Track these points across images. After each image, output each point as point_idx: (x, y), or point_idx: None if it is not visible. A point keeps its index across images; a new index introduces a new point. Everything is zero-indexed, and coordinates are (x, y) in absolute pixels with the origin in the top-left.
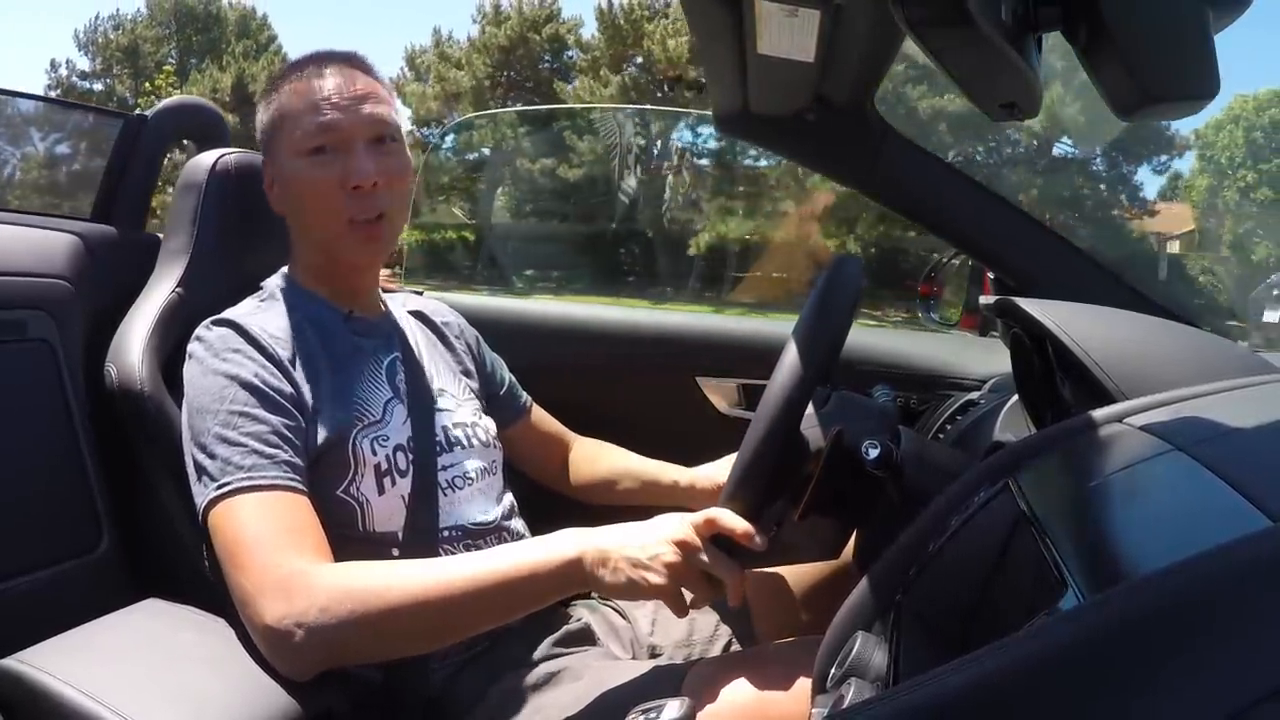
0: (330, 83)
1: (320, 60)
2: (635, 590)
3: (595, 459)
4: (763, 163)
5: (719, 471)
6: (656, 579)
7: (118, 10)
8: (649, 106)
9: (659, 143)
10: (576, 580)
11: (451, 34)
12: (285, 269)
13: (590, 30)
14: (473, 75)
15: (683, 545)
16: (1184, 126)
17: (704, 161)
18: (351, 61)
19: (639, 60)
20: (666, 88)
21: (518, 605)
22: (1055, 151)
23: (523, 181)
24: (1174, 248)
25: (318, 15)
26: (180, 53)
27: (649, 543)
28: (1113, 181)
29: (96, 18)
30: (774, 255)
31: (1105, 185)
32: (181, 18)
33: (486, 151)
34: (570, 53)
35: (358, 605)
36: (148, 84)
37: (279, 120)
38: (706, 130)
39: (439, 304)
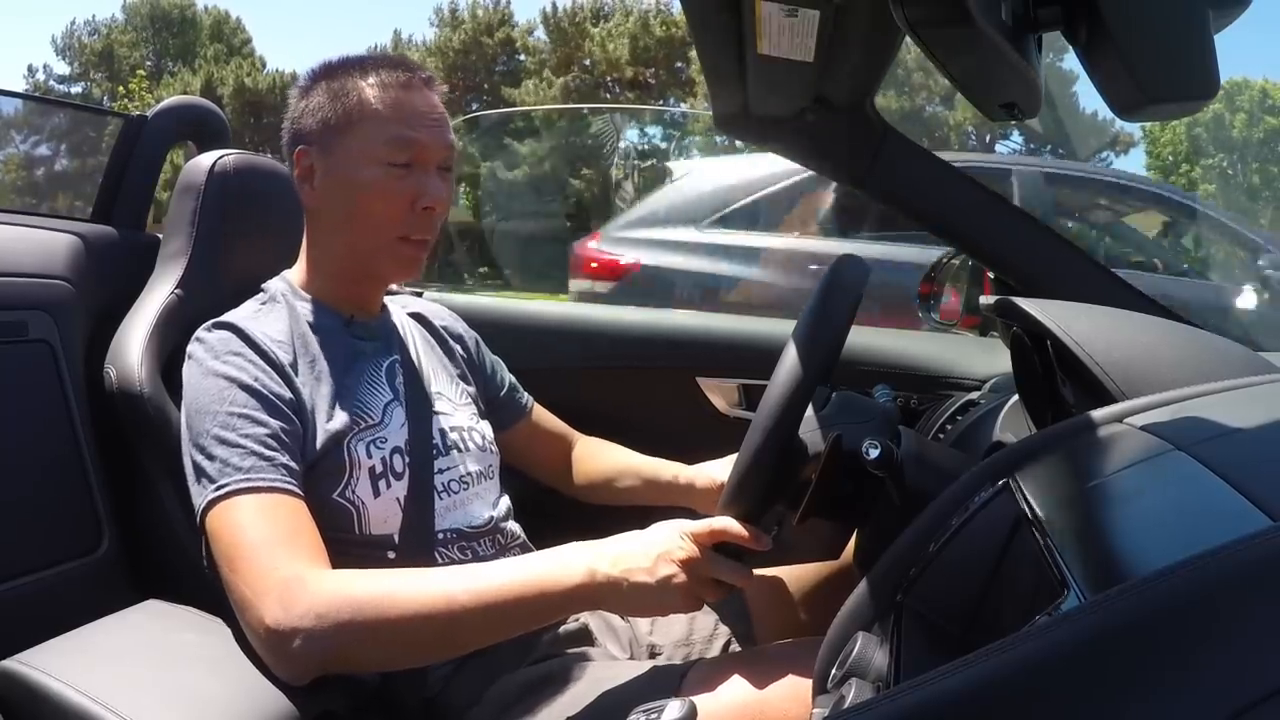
0: (421, 100)
1: (402, 68)
2: (657, 614)
3: (597, 457)
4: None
5: (719, 470)
6: (673, 601)
7: (94, 16)
8: (620, 106)
9: (608, 142)
10: (584, 606)
11: (410, 37)
12: (287, 272)
13: (541, 35)
14: None
15: (687, 564)
16: (1130, 123)
17: (650, 161)
18: (432, 83)
19: (585, 63)
20: (616, 89)
21: (519, 626)
22: (999, 149)
23: (478, 182)
24: None
25: (285, 15)
26: (155, 56)
27: (656, 568)
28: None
29: (73, 23)
30: None
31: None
32: (157, 22)
33: None
34: (520, 57)
35: (355, 614)
36: (121, 88)
37: (356, 118)
38: (653, 130)
39: (438, 306)
